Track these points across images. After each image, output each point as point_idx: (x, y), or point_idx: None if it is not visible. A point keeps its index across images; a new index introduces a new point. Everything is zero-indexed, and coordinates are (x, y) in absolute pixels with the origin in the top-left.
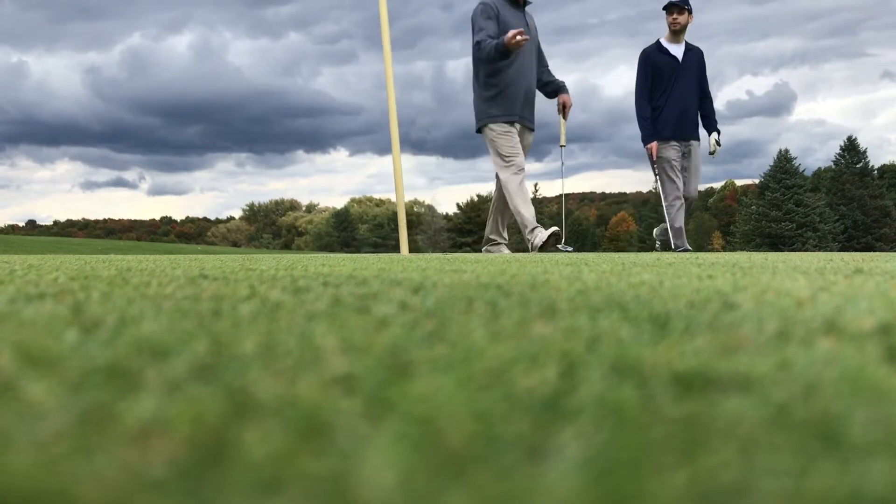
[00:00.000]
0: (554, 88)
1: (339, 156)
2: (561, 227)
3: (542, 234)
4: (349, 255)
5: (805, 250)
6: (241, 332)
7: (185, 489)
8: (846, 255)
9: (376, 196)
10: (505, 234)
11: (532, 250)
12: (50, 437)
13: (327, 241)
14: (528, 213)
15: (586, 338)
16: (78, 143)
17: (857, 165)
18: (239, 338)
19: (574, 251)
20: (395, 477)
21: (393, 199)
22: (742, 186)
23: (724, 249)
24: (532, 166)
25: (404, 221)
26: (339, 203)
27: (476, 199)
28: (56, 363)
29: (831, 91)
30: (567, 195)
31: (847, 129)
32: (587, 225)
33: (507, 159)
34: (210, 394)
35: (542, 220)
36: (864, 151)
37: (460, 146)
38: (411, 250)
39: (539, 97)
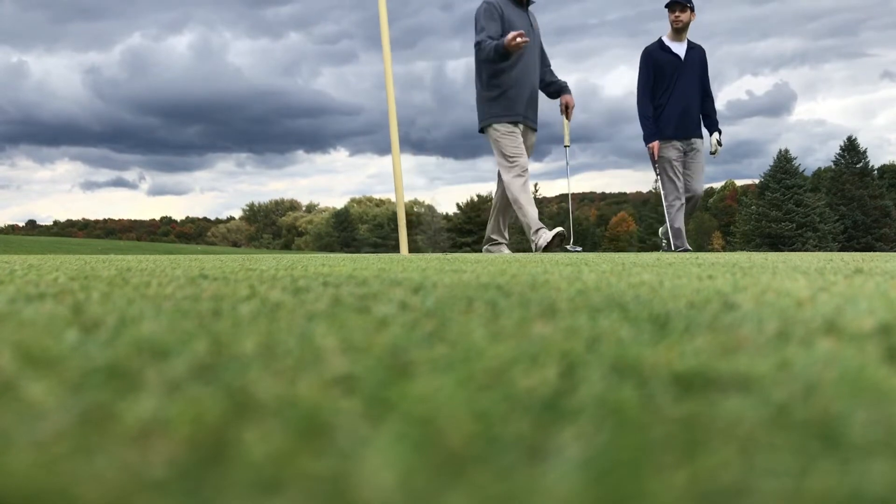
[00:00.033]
0: (556, 89)
1: (339, 156)
2: (568, 227)
3: (546, 236)
4: (349, 255)
5: (805, 250)
6: (241, 332)
7: (185, 489)
8: (846, 255)
9: (376, 196)
10: (506, 234)
11: (536, 251)
12: (50, 437)
13: (327, 241)
14: (532, 214)
15: (586, 338)
16: (78, 143)
17: (857, 165)
18: (239, 338)
19: (583, 251)
20: (395, 477)
21: (393, 199)
22: (742, 186)
23: (724, 249)
24: (532, 166)
25: (404, 221)
26: (339, 203)
27: (476, 199)
28: (56, 363)
29: (831, 91)
30: (570, 195)
31: (847, 129)
32: (587, 225)
33: (510, 160)
34: (210, 394)
35: (542, 221)
36: (864, 151)
37: (460, 146)
38: (411, 250)
39: (540, 97)
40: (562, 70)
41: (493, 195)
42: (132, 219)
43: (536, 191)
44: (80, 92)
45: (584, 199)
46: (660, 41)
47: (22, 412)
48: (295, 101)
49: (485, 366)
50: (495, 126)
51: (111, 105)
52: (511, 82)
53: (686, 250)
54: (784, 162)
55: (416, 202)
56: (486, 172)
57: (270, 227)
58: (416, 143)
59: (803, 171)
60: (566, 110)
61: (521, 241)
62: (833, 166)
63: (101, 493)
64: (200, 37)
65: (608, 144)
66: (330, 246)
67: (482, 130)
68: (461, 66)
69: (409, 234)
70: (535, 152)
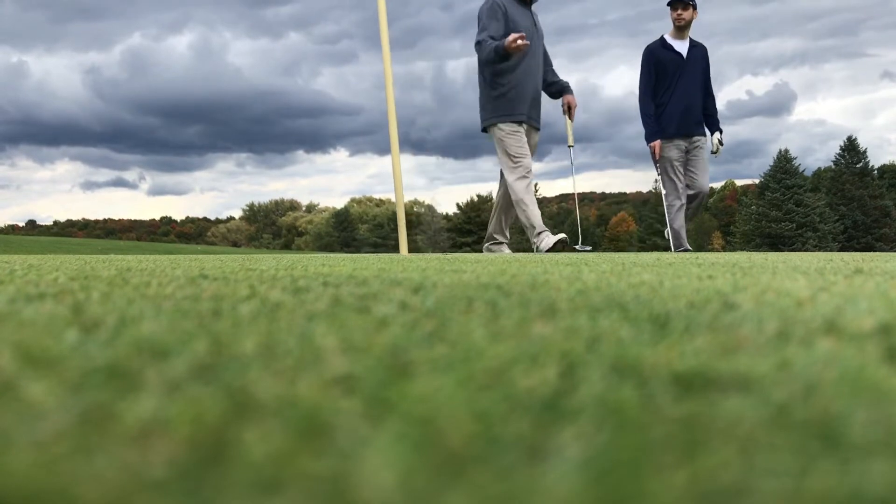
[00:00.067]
0: (558, 89)
1: (339, 156)
2: (576, 227)
3: (548, 240)
4: (349, 255)
5: (805, 250)
6: (241, 332)
7: (185, 489)
8: (846, 255)
9: (376, 196)
10: (507, 234)
11: (536, 252)
12: (50, 437)
13: (327, 241)
14: (535, 216)
15: (586, 338)
16: (78, 143)
17: (857, 165)
18: (239, 338)
19: (592, 251)
20: (395, 477)
21: (393, 199)
22: (742, 186)
23: (724, 249)
24: (533, 166)
25: (404, 221)
26: (339, 203)
27: (476, 199)
28: (56, 363)
29: (831, 91)
30: (571, 195)
31: (847, 129)
32: (587, 225)
33: (515, 160)
34: (210, 394)
35: (542, 220)
36: (864, 151)
37: (460, 146)
38: (411, 250)
39: (541, 97)
40: (562, 70)
41: (495, 195)
42: (132, 219)
43: (536, 191)
44: (80, 92)
45: (584, 199)
46: (662, 39)
47: (22, 412)
48: (295, 101)
49: (485, 366)
50: (499, 126)
51: (111, 105)
52: (515, 82)
53: (686, 250)
54: (784, 162)
55: (416, 202)
56: (486, 172)
57: (270, 227)
58: (416, 143)
59: (803, 171)
60: (569, 110)
61: (521, 241)
62: (833, 166)
63: (101, 493)
64: (200, 37)
65: (608, 144)
66: (330, 246)
67: (485, 130)
68: (461, 66)
69: (408, 234)
70: (536, 152)
